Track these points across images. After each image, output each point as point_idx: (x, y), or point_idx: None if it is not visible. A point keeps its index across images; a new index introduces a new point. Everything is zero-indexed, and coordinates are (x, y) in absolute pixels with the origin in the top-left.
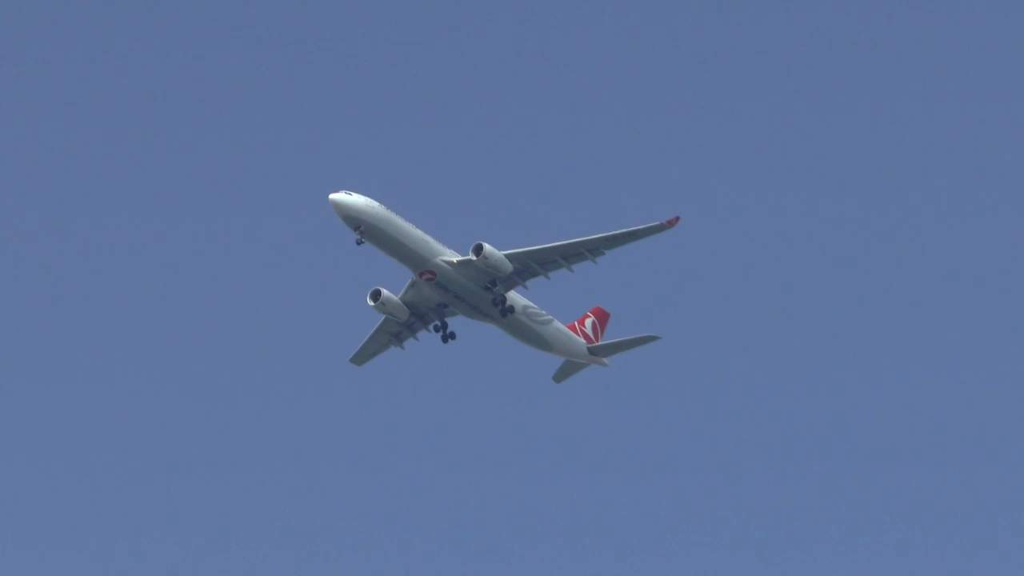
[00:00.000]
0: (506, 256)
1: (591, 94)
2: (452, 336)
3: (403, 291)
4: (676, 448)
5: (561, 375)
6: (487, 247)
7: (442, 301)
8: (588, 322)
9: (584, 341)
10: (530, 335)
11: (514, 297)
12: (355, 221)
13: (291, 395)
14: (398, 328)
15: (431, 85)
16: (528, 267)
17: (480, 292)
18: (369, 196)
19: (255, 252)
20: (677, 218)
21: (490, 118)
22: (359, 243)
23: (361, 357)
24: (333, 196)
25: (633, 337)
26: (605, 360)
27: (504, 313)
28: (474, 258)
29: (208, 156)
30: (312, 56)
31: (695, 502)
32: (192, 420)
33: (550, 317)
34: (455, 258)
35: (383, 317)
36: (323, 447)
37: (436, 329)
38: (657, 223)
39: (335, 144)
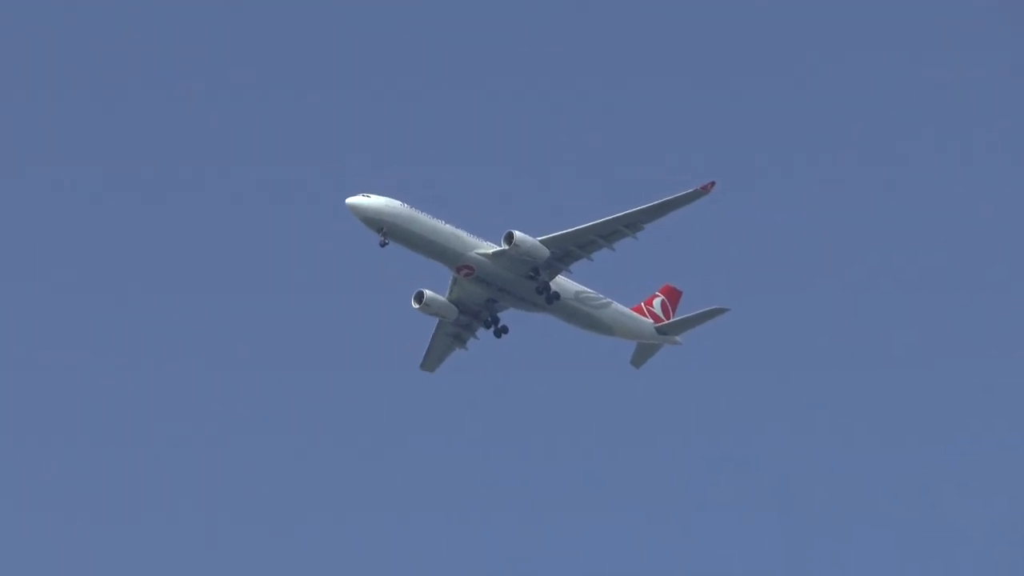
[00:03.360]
0: (541, 241)
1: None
2: (504, 330)
3: (448, 290)
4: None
5: (638, 359)
6: (517, 234)
7: (489, 296)
8: (656, 302)
9: (651, 321)
10: (588, 320)
11: (563, 283)
12: (376, 223)
13: (373, 408)
14: (455, 329)
15: (439, 79)
16: (566, 250)
17: (523, 282)
18: (389, 196)
19: (281, 266)
20: (712, 183)
21: (513, 102)
22: (383, 245)
23: (430, 363)
24: (350, 200)
25: (701, 312)
26: (678, 338)
27: (549, 300)
28: (507, 247)
29: (211, 157)
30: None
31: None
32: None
33: (608, 300)
34: (490, 250)
35: (437, 320)
36: (422, 458)
37: (487, 325)
38: (692, 190)
39: (345, 143)
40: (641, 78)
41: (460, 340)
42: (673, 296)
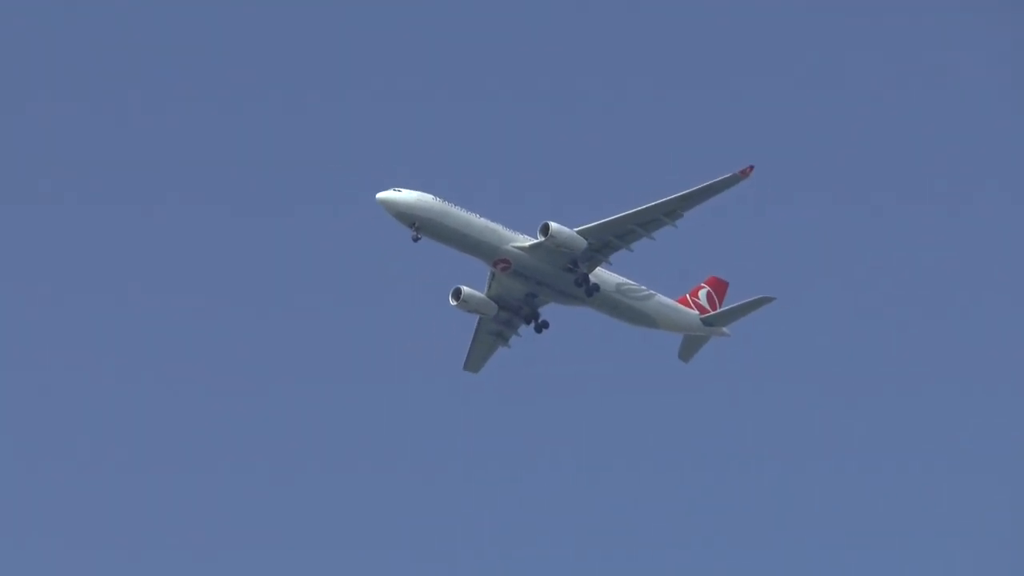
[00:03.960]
0: (578, 232)
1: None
2: (545, 325)
3: (486, 286)
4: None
5: (686, 353)
6: (553, 225)
7: (528, 290)
8: (702, 293)
9: (697, 313)
10: (630, 313)
11: (604, 276)
12: (409, 217)
13: (417, 409)
14: (496, 326)
15: (441, 79)
16: (605, 241)
17: (562, 274)
18: (421, 190)
19: (307, 269)
20: (751, 167)
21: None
22: (416, 240)
23: (474, 363)
24: (381, 195)
25: (747, 301)
26: (725, 330)
27: (589, 293)
28: (543, 239)
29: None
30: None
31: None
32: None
33: (651, 292)
34: (527, 243)
35: (476, 318)
36: (469, 457)
37: (527, 320)
38: (730, 175)
39: (346, 143)
40: (658, 76)
41: (503, 338)
42: (719, 287)
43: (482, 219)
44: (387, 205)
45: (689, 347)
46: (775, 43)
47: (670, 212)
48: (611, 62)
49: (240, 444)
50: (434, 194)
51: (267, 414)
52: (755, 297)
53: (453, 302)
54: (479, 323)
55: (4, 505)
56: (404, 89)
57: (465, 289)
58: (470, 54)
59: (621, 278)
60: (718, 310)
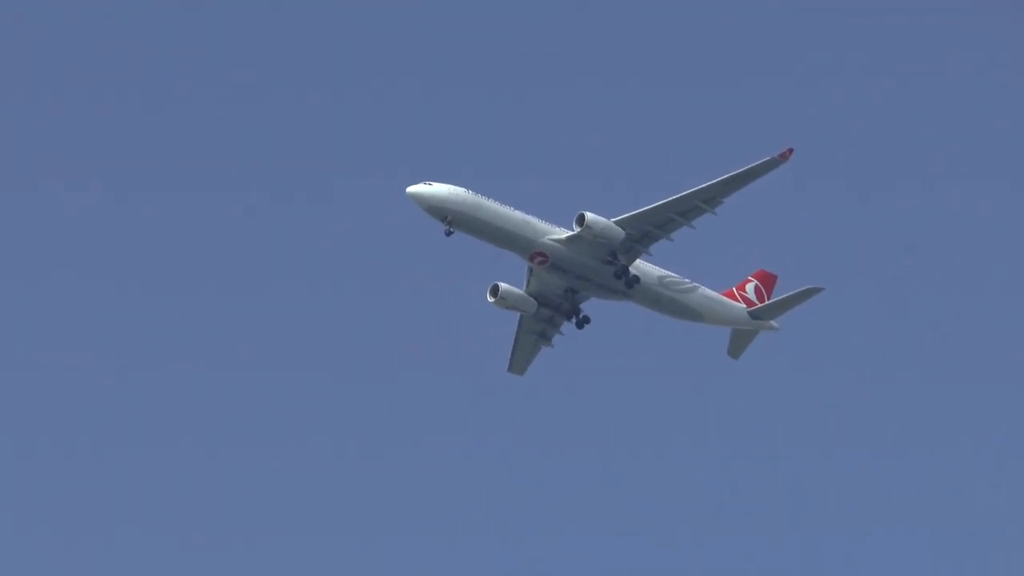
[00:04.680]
0: (615, 222)
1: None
2: (587, 320)
3: (525, 283)
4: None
5: (734, 349)
6: (589, 215)
7: (567, 285)
8: (749, 287)
9: (743, 306)
10: (673, 306)
11: (645, 268)
12: (441, 211)
13: (464, 414)
14: (538, 325)
15: (444, 79)
16: (643, 231)
17: (601, 267)
18: (452, 183)
19: (348, 259)
20: (790, 150)
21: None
22: (448, 234)
23: (518, 365)
24: (411, 189)
25: (795, 292)
26: (774, 323)
27: (629, 284)
28: (579, 230)
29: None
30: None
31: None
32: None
33: (694, 285)
34: (563, 235)
35: (517, 316)
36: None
37: (568, 316)
38: (769, 158)
39: (347, 144)
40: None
41: (545, 337)
42: (767, 281)
43: (517, 212)
44: (418, 199)
45: (737, 343)
46: (814, 35)
47: (709, 199)
48: (642, 53)
49: (270, 440)
50: (465, 187)
51: (293, 417)
52: (803, 288)
53: (491, 299)
54: (520, 322)
55: None
56: (416, 85)
57: (503, 286)
58: (495, 45)
59: (663, 270)
60: (765, 302)
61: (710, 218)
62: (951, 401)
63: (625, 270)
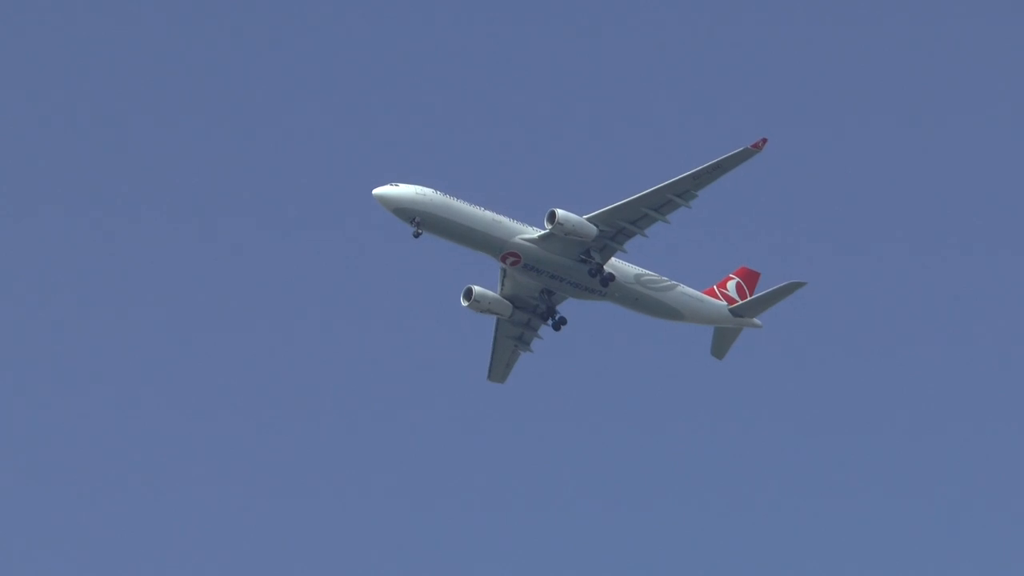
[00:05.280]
0: (587, 219)
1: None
2: (563, 322)
3: (499, 285)
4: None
5: (718, 349)
6: (560, 212)
7: (543, 286)
8: (731, 284)
9: (725, 303)
10: (652, 305)
11: (622, 267)
12: (408, 213)
13: (448, 422)
14: (515, 329)
15: (442, 79)
16: (617, 227)
17: (575, 266)
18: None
19: (316, 266)
20: (764, 140)
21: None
22: (416, 236)
23: (497, 372)
24: (377, 190)
25: (776, 288)
26: (756, 320)
27: (604, 282)
28: (551, 228)
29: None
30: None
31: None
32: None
33: (673, 282)
34: (535, 234)
35: (493, 321)
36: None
37: (545, 318)
38: (742, 149)
39: (348, 146)
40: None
41: (523, 342)
42: (750, 278)
43: (487, 211)
44: (384, 201)
45: (721, 342)
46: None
47: (682, 192)
48: (626, 51)
49: (261, 463)
50: (434, 188)
51: (288, 435)
52: (785, 283)
53: (464, 303)
54: (497, 326)
55: None
56: (401, 90)
57: (477, 288)
58: (470, 43)
59: (640, 269)
60: (747, 299)
61: (693, 216)
62: (940, 394)
63: (600, 268)
